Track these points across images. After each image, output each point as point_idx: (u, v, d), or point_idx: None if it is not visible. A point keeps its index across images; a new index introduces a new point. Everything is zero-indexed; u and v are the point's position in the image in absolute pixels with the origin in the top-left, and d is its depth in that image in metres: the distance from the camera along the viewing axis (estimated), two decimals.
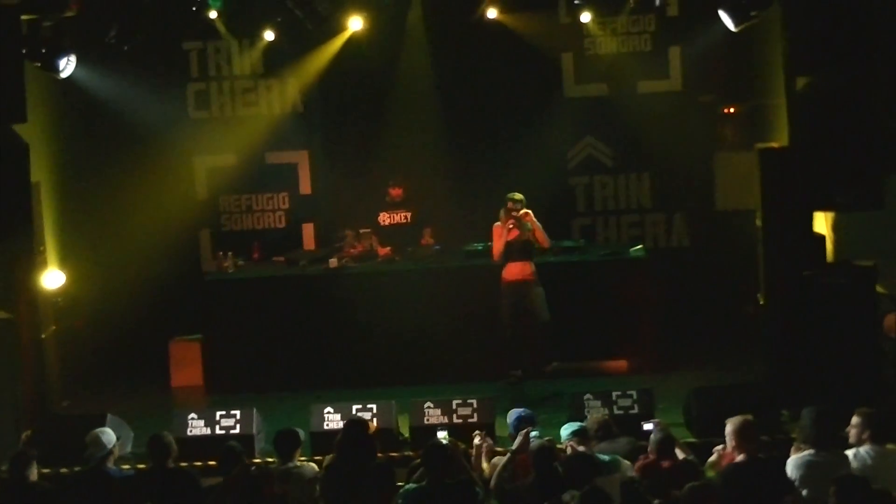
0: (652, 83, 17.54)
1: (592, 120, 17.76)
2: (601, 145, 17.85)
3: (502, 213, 14.82)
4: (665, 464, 10.29)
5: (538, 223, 14.88)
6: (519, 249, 14.82)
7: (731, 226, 16.97)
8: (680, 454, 10.59)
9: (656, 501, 9.23)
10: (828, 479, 9.38)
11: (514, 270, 14.82)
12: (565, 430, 11.00)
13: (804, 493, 9.73)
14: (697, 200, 17.59)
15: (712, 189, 17.31)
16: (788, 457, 10.36)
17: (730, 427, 10.29)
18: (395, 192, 16.75)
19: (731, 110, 17.30)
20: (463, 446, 11.07)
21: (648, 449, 10.62)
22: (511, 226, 14.77)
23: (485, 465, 11.03)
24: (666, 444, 10.50)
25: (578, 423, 11.27)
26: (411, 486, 10.23)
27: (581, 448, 10.66)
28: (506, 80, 17.51)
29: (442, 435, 11.23)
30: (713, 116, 17.51)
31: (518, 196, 14.85)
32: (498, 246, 14.83)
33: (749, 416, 10.36)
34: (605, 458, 10.42)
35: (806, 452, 10.21)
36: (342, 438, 11.08)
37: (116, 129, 17.14)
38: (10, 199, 13.29)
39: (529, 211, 14.85)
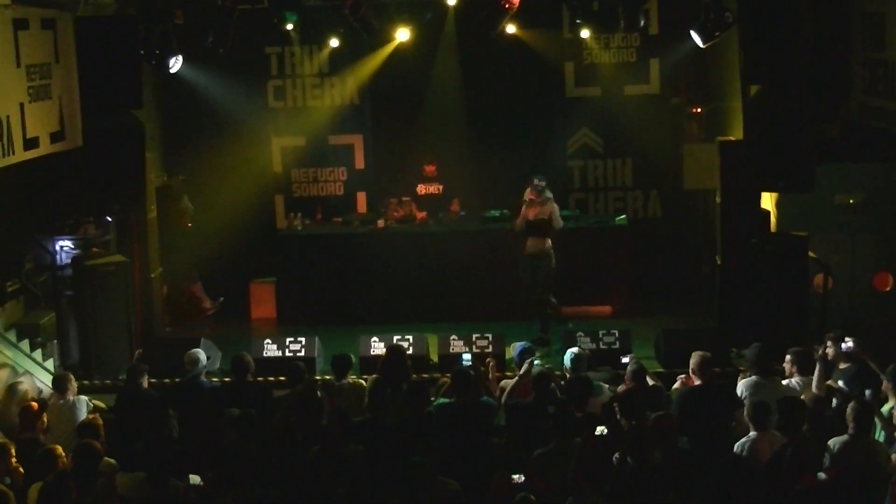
0: (635, 87, 17.38)
1: (588, 116, 17.59)
2: (594, 136, 17.70)
3: (527, 192, 14.49)
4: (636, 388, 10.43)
5: (556, 207, 14.64)
6: (538, 227, 14.39)
7: (696, 202, 16.98)
8: (650, 381, 10.72)
9: (624, 420, 9.33)
10: (768, 395, 9.75)
11: (533, 244, 14.41)
12: (568, 356, 11.10)
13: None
14: (669, 181, 17.44)
15: (681, 172, 17.20)
16: (737, 383, 10.53)
17: (693, 360, 10.43)
18: (430, 168, 16.95)
19: (697, 110, 17.19)
20: (483, 368, 11.24)
21: (625, 376, 10.75)
22: (530, 202, 14.43)
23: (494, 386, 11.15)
24: (639, 374, 10.62)
25: (578, 349, 11.39)
26: (442, 400, 10.40)
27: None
28: (518, 82, 17.41)
29: (466, 357, 11.28)
30: (683, 115, 17.41)
31: (539, 179, 14.54)
32: (518, 221, 14.48)
33: (707, 353, 10.50)
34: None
35: (751, 377, 10.40)
36: (384, 361, 11.24)
37: (211, 115, 17.10)
38: (128, 169, 13.48)
39: (551, 196, 14.63)
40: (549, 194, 14.61)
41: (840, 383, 10.12)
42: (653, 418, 9.18)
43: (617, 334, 13.26)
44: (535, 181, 14.46)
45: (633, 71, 17.43)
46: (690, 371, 10.43)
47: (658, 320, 14.66)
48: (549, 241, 14.37)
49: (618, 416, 9.29)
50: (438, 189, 17.00)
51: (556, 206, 14.63)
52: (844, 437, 8.85)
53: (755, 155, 12.74)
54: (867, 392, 9.60)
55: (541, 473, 8.68)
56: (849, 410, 8.95)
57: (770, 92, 12.61)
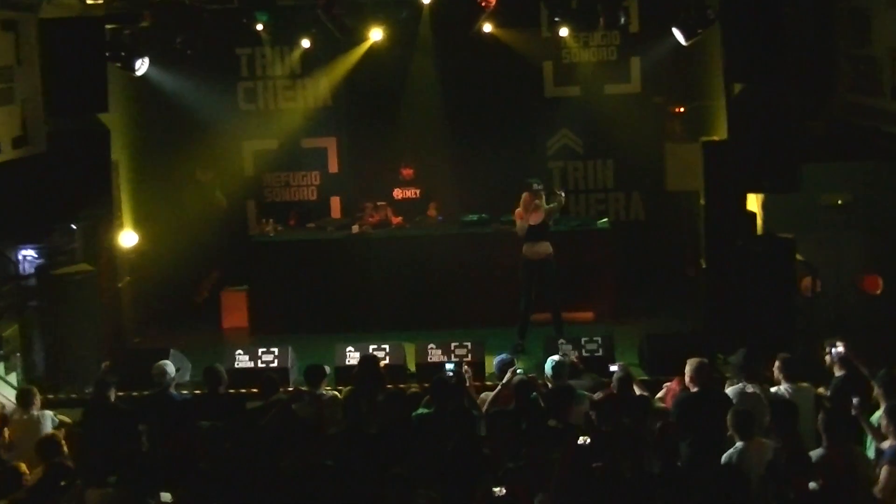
0: (616, 86, 17.44)
1: (567, 116, 17.62)
2: (574, 136, 17.76)
3: (525, 196, 14.07)
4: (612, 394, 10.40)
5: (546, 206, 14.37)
6: (539, 231, 14.11)
7: (678, 204, 16.90)
8: (637, 390, 10.67)
9: (605, 428, 9.31)
10: (755, 403, 9.77)
11: (535, 250, 14.07)
12: (549, 364, 11.02)
13: None
14: (651, 182, 17.47)
15: (663, 173, 17.18)
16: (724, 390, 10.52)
17: (689, 367, 10.37)
18: (407, 172, 16.79)
19: (680, 109, 17.17)
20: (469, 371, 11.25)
21: (613, 386, 10.67)
22: (535, 207, 14.09)
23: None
24: (626, 382, 10.57)
25: (559, 356, 11.33)
26: (422, 410, 10.33)
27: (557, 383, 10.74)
28: (497, 82, 17.39)
29: (450, 367, 11.22)
30: (665, 114, 17.39)
31: (537, 183, 14.25)
32: (522, 226, 14.07)
33: (704, 359, 10.44)
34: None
35: (738, 385, 10.37)
36: (357, 372, 11.18)
37: (181, 118, 17.00)
38: (94, 174, 13.35)
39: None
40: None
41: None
42: (658, 427, 9.24)
43: (600, 341, 13.18)
44: (535, 185, 14.15)
45: (613, 70, 17.47)
46: (687, 378, 10.34)
47: (642, 325, 14.65)
48: (549, 246, 14.16)
49: (595, 424, 9.26)
50: (416, 193, 16.88)
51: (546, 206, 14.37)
52: (820, 449, 8.84)
53: (740, 155, 12.72)
54: (855, 400, 9.51)
55: (518, 486, 8.61)
56: (819, 421, 8.99)
57: (754, 90, 12.59)
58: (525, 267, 14.21)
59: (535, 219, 14.09)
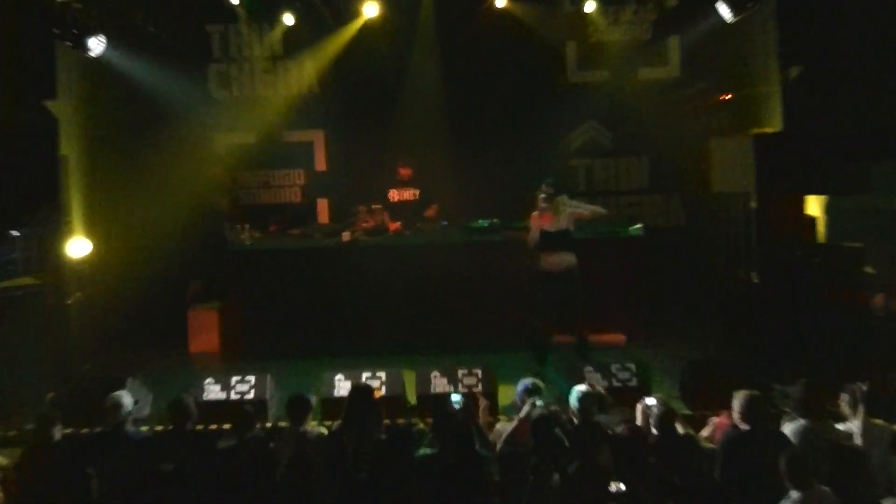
0: (651, 70, 17.56)
1: (594, 105, 17.66)
2: (602, 129, 17.87)
3: (539, 199, 14.07)
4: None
5: (579, 203, 14.36)
6: (556, 238, 14.02)
7: (725, 207, 16.86)
8: (680, 429, 10.47)
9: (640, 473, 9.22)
10: (818, 445, 9.70)
11: (556, 260, 13.99)
12: (574, 395, 10.86)
13: None
14: (692, 182, 17.49)
15: (707, 172, 17.13)
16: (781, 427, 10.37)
17: (738, 400, 10.18)
18: (405, 171, 16.71)
19: (726, 97, 17.10)
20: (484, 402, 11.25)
21: (651, 423, 10.45)
22: (542, 210, 14.05)
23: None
24: (667, 419, 10.36)
25: (586, 386, 11.10)
26: (424, 451, 10.17)
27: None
28: (511, 66, 17.46)
29: (457, 398, 11.01)
30: (708, 102, 17.35)
31: (548, 184, 14.11)
32: (532, 233, 14.09)
33: (755, 392, 10.28)
34: None
35: (798, 421, 10.30)
36: (348, 404, 10.98)
37: (142, 107, 17.01)
38: (39, 171, 13.25)
39: (570, 202, 14.29)
40: (567, 200, 14.23)
41: None
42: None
43: (634, 368, 13.09)
44: (543, 187, 14.07)
45: (647, 51, 17.57)
46: (736, 414, 10.17)
47: (683, 350, 14.62)
48: (573, 256, 14.02)
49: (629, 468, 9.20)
50: (415, 195, 16.80)
51: (579, 206, 14.24)
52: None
53: (797, 150, 12.59)
54: None
55: None
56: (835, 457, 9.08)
57: (815, 74, 12.44)
58: (544, 280, 14.10)
59: (553, 223, 13.98)
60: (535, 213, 14.08)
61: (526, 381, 11.26)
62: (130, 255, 16.62)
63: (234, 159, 17.94)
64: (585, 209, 14.21)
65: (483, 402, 11.40)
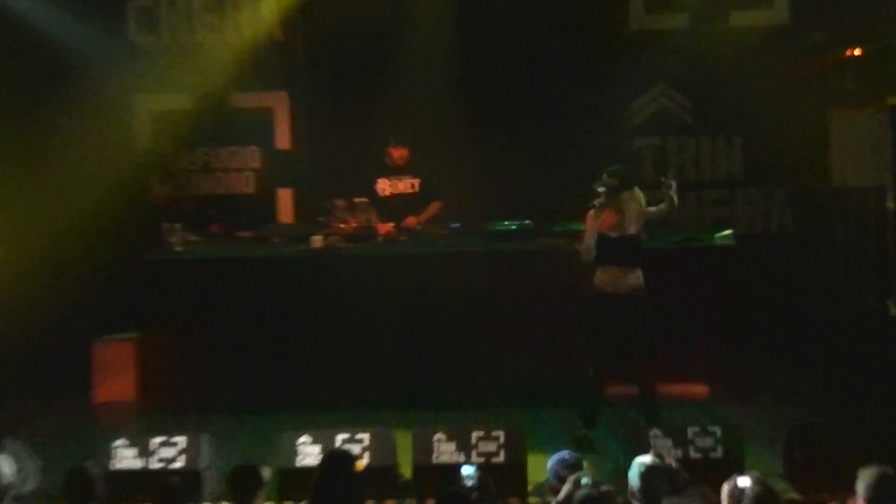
0: (748, 14, 17.65)
1: (666, 63, 17.71)
2: (678, 96, 17.93)
3: (597, 193, 13.82)
4: None
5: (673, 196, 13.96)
6: (619, 248, 13.77)
7: (851, 206, 16.95)
8: None
9: None
10: None
11: (611, 279, 13.77)
12: (635, 469, 10.61)
13: None
14: (804, 172, 17.54)
15: (826, 157, 17.25)
16: None
17: (864, 480, 9.98)
18: (398, 153, 16.74)
19: (853, 53, 17.03)
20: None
21: None
22: (602, 208, 13.78)
23: None
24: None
25: (651, 457, 10.93)
26: None
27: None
28: (549, 10, 17.52)
29: (468, 471, 10.83)
30: (828, 61, 17.32)
31: (611, 170, 13.81)
32: (586, 240, 13.86)
33: (889, 469, 10.05)
34: None
35: None
36: (318, 478, 10.82)
37: (40, 60, 17.23)
38: None
39: (640, 194, 13.98)
40: (639, 193, 13.95)
41: None
42: None
43: (718, 433, 12.87)
44: (605, 176, 13.78)
45: None
46: (861, 499, 9.95)
47: (788, 408, 14.55)
48: (640, 275, 13.83)
49: None
50: (413, 186, 16.83)
51: (644, 207, 13.96)
52: None
53: None
54: None
55: None
56: None
57: None
58: (598, 307, 13.96)
59: (616, 226, 13.79)
60: (590, 213, 13.86)
61: (563, 454, 11.07)
62: (17, 267, 16.62)
63: (162, 132, 17.88)
64: (656, 208, 13.97)
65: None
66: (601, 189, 13.69)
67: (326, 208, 16.44)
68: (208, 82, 17.80)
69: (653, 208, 13.85)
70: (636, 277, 13.75)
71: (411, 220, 16.31)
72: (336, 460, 11.08)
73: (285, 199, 18.15)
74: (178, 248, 16.07)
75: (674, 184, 13.98)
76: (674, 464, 11.64)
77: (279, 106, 18.14)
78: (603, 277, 13.79)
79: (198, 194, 18.14)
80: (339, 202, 16.35)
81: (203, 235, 16.82)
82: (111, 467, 12.91)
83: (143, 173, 17.89)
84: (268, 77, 17.98)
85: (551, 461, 11.05)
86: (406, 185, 16.74)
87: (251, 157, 18.14)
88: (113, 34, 17.63)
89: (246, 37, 17.92)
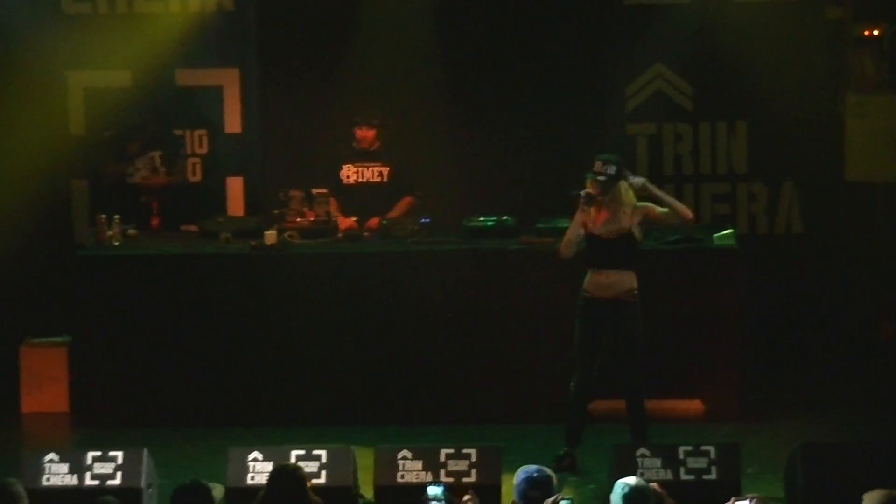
0: None
1: (664, 41, 17.77)
2: (676, 78, 17.93)
3: (589, 185, 13.82)
4: None
5: (662, 194, 14.11)
6: (609, 247, 13.90)
7: (866, 204, 17.12)
8: None
9: None
10: None
11: (599, 282, 13.88)
12: (619, 490, 10.96)
13: None
14: (817, 164, 17.61)
15: (840, 149, 17.32)
16: None
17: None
18: (364, 133, 16.85)
19: (873, 32, 17.21)
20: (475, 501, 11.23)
21: None
22: (587, 201, 13.87)
23: None
24: None
25: (636, 479, 11.24)
26: None
27: None
28: None
29: (435, 492, 11.17)
30: (845, 40, 17.49)
31: (606, 160, 13.83)
32: (568, 234, 14.02)
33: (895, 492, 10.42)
34: None
35: None
36: (265, 497, 11.13)
37: None
38: None
39: (643, 180, 14.16)
40: (633, 188, 14.03)
41: None
42: None
43: (713, 453, 13.02)
44: (597, 165, 13.86)
45: None
46: None
47: (791, 427, 14.76)
48: (633, 278, 13.97)
49: None
50: (381, 174, 16.99)
51: (658, 196, 14.10)
52: None
53: None
54: None
55: None
56: None
57: None
58: (584, 313, 14.10)
59: (606, 222, 13.94)
60: (579, 214, 13.95)
61: (531, 470, 11.08)
62: None
63: (97, 111, 18.09)
64: (666, 204, 14.01)
65: (474, 501, 11.52)
66: (601, 179, 13.68)
67: (280, 199, 16.51)
68: (148, 56, 17.71)
69: (659, 210, 14.00)
70: (629, 280, 13.83)
71: (375, 221, 16.38)
72: (287, 477, 11.10)
73: (235, 189, 18.12)
74: (116, 243, 16.11)
75: (639, 180, 14.16)
76: (657, 489, 12.04)
77: (229, 84, 18.08)
78: (591, 280, 13.87)
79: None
80: (296, 193, 16.39)
81: (143, 228, 16.79)
82: (40, 485, 12.88)
83: (79, 157, 17.92)
84: (216, 51, 17.98)
85: (517, 479, 10.95)
86: (373, 172, 16.85)
87: (197, 141, 18.13)
88: (43, 2, 17.63)
89: (192, 5, 17.85)
